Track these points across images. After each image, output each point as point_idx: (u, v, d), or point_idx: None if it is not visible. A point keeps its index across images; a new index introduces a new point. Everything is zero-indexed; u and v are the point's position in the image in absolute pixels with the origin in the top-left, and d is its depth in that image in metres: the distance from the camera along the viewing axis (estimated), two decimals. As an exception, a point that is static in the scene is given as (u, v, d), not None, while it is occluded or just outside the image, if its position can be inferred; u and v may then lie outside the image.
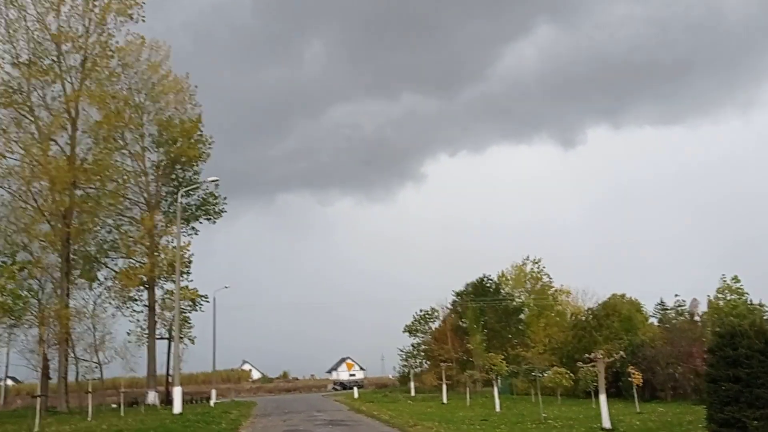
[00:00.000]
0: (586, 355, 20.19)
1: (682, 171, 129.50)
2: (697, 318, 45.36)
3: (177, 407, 27.76)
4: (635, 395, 26.90)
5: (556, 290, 64.65)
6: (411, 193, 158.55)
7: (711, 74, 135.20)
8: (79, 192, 41.68)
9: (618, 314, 40.29)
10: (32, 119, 37.47)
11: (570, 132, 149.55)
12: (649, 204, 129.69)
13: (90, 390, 29.83)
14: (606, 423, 19.00)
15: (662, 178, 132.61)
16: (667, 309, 55.71)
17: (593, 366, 20.11)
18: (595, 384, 29.82)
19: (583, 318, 42.08)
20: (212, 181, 39.19)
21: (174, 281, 49.86)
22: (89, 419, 25.94)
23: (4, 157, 36.01)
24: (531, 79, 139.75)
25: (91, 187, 42.40)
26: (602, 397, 19.32)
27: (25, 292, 36.05)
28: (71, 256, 43.97)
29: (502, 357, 31.56)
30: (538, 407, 32.69)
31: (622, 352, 20.25)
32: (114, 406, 49.77)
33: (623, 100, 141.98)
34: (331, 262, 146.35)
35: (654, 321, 50.96)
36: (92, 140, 40.39)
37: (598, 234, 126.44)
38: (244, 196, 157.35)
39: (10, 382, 64.81)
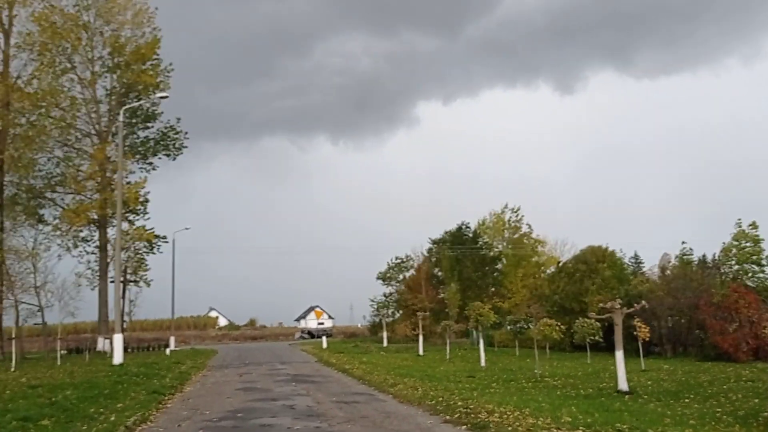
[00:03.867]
0: (601, 305, 16.97)
1: (682, 128, 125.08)
2: (668, 273, 43.26)
3: (117, 357, 24.15)
4: (640, 351, 24.11)
5: (534, 240, 62.05)
6: (399, 140, 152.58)
7: (721, 19, 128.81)
8: (22, 119, 37.12)
9: (611, 262, 37.45)
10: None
11: (569, 77, 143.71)
12: (641, 158, 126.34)
13: (14, 336, 26.00)
14: (623, 384, 15.99)
15: (660, 131, 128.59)
16: (641, 263, 53.80)
17: (607, 317, 16.97)
18: (592, 338, 27.19)
19: (571, 265, 39.15)
20: (161, 97, 34.83)
21: (129, 221, 46.11)
22: (12, 369, 22.24)
23: None
24: (538, 14, 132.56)
25: (32, 113, 37.72)
26: (619, 355, 16.22)
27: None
28: (16, 189, 39.90)
29: (490, 307, 28.46)
30: (524, 361, 30.07)
31: (644, 302, 17.16)
32: (63, 352, 46.37)
33: (630, 46, 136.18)
34: (309, 209, 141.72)
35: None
36: (29, 57, 35.39)
37: (583, 186, 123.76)
38: (226, 139, 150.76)
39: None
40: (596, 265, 37.31)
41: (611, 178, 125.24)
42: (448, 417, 11.12)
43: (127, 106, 37.62)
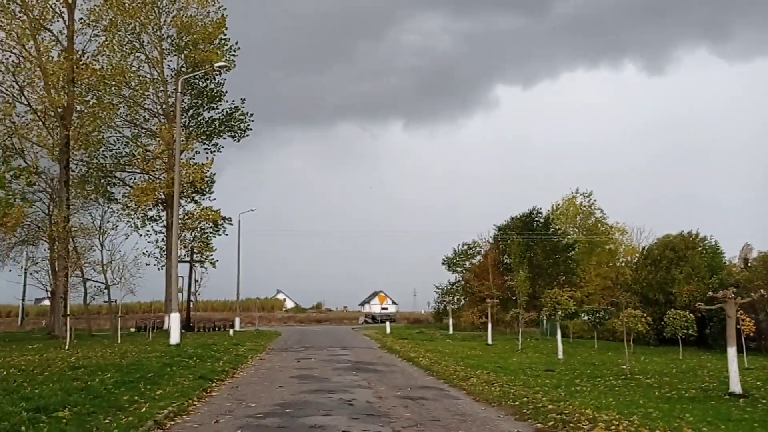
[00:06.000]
0: (710, 293, 14.59)
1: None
2: (750, 264, 39.57)
3: (174, 337, 23.19)
4: (743, 347, 21.39)
5: (609, 226, 58.73)
6: (475, 124, 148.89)
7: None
8: (91, 98, 36.96)
9: (702, 249, 34.26)
10: (21, 2, 32.00)
11: (660, 56, 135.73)
12: (725, 144, 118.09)
13: (68, 313, 25.50)
14: (735, 386, 13.62)
15: (748, 116, 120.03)
16: (722, 253, 49.97)
17: (716, 308, 14.60)
18: (685, 332, 24.62)
19: (656, 252, 36.07)
20: (219, 66, 33.82)
21: (196, 201, 45.93)
22: (66, 348, 21.57)
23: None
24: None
25: (101, 92, 37.53)
26: (732, 351, 13.85)
27: (18, 200, 31.49)
28: (86, 168, 40.16)
29: (569, 295, 26.11)
30: (605, 355, 27.62)
31: (762, 291, 14.70)
32: (133, 330, 46.74)
33: (727, 23, 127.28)
34: (379, 195, 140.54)
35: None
36: (93, 32, 34.94)
37: (662, 174, 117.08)
38: (301, 124, 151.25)
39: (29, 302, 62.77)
40: (685, 251, 34.21)
41: (692, 165, 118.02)
42: (539, 425, 9.10)
43: (186, 76, 36.67)
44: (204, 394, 11.89)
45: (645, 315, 25.28)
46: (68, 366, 14.40)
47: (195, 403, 10.77)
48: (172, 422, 9.02)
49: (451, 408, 10.73)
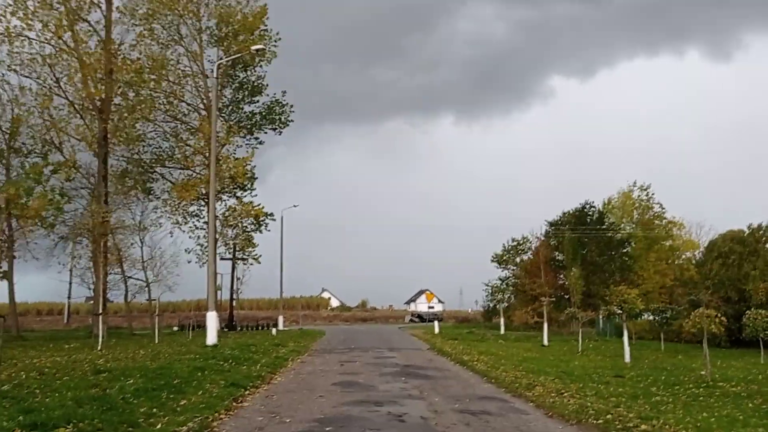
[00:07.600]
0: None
1: None
2: None
3: (210, 337, 21.93)
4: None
5: (668, 221, 55.70)
6: (529, 117, 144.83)
7: None
8: (130, 92, 36.34)
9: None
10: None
11: (726, 41, 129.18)
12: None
13: (99, 312, 24.57)
14: None
15: None
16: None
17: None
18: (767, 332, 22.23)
19: (724, 246, 33.44)
20: (256, 49, 32.58)
21: (237, 196, 44.95)
22: (98, 348, 20.57)
23: (28, 39, 30.40)
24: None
25: (140, 86, 36.85)
26: None
27: (58, 197, 31.01)
28: (126, 163, 39.62)
29: (637, 293, 23.95)
30: (674, 358, 25.37)
31: None
32: (175, 329, 46.19)
33: None
34: (427, 191, 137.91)
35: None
36: (131, 23, 34.19)
37: (724, 165, 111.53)
38: (349, 121, 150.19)
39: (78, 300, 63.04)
40: (755, 246, 31.61)
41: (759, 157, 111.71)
42: (640, 455, 7.40)
43: (223, 60, 35.35)
44: (234, 404, 10.42)
45: (719, 315, 22.98)
46: (92, 369, 13.20)
47: (221, 416, 9.31)
48: (188, 444, 7.60)
49: (522, 427, 8.97)
